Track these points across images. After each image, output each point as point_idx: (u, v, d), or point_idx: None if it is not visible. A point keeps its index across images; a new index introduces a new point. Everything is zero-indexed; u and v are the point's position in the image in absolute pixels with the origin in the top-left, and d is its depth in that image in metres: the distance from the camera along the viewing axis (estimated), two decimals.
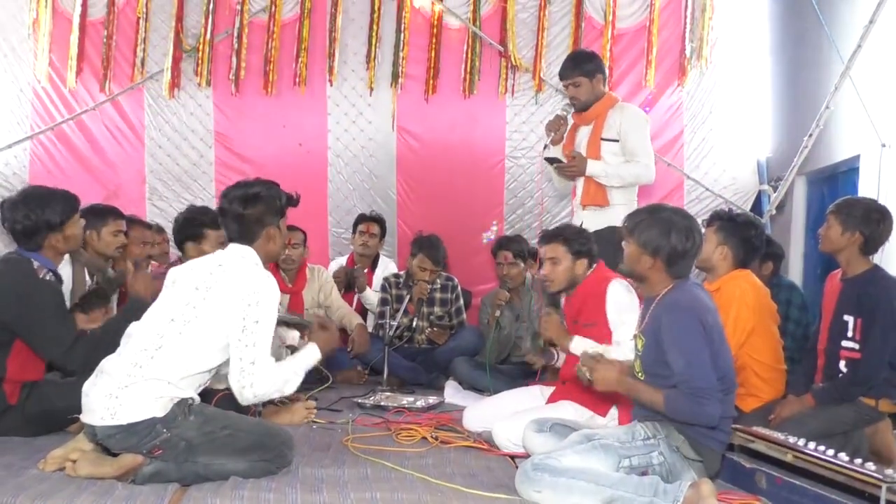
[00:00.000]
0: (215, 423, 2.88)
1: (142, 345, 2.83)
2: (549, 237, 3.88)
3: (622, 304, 3.60)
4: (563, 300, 3.98)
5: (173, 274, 3.03)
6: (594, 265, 3.83)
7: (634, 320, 3.40)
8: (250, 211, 2.98)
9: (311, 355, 3.04)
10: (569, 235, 3.82)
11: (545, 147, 4.69)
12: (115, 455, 2.83)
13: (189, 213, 4.34)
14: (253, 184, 3.05)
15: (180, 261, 4.25)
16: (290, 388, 2.93)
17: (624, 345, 3.40)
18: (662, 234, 2.89)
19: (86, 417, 2.82)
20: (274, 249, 3.06)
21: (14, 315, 3.27)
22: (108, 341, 3.16)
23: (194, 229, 4.19)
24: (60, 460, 2.83)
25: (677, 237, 2.88)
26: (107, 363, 2.87)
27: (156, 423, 2.75)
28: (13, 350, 3.32)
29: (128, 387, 2.75)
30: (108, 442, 2.81)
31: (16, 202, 3.42)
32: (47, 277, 3.37)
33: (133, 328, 2.94)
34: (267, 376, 2.83)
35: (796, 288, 5.07)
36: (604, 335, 3.59)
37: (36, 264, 3.36)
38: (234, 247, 3.01)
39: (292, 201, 3.12)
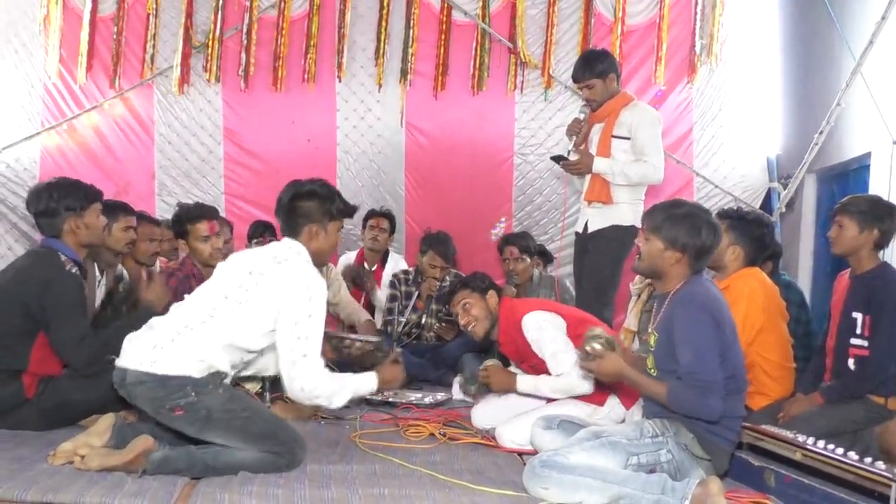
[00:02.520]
0: (239, 403, 2.96)
1: (195, 310, 2.96)
2: (451, 292, 3.97)
3: (540, 339, 3.61)
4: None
5: (229, 259, 3.17)
6: (500, 295, 3.88)
7: (561, 346, 3.52)
8: (297, 204, 3.09)
9: (367, 382, 3.12)
10: (466, 280, 3.93)
11: (569, 151, 4.66)
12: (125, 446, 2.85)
13: (176, 213, 4.39)
14: (312, 182, 3.16)
15: (189, 257, 4.28)
16: (339, 400, 3.00)
17: (568, 373, 3.43)
18: (693, 231, 2.88)
19: (121, 361, 2.91)
20: (319, 249, 3.12)
21: (36, 304, 3.31)
22: (116, 344, 3.21)
23: (180, 227, 4.24)
24: (69, 454, 2.85)
25: (706, 233, 2.88)
26: (156, 321, 3.01)
27: (188, 382, 2.83)
28: (37, 342, 3.36)
29: (174, 341, 2.87)
30: (135, 390, 2.86)
31: (42, 187, 3.53)
32: (73, 271, 3.42)
33: (187, 300, 3.06)
34: (317, 373, 2.92)
35: (794, 286, 5.05)
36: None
37: (63, 257, 3.41)
38: (287, 241, 3.11)
39: (346, 211, 3.20)
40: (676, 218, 2.92)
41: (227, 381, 3.01)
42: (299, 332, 2.89)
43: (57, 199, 3.45)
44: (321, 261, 3.19)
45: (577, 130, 4.63)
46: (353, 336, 4.42)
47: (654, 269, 3.00)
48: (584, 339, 3.00)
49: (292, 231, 3.10)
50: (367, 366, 3.48)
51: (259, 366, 3.22)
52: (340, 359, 4.06)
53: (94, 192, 3.58)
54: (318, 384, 2.92)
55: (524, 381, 3.62)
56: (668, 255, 2.92)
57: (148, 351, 2.87)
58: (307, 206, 3.09)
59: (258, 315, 2.92)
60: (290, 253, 3.05)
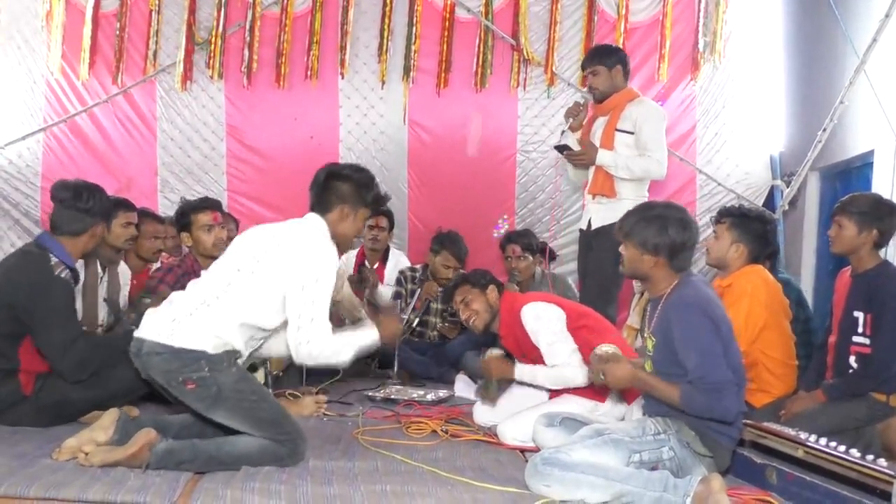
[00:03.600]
0: (249, 385, 3.00)
1: (210, 286, 3.02)
2: (453, 287, 3.99)
3: (537, 329, 3.64)
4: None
5: (244, 233, 3.21)
6: (502, 290, 3.91)
7: (559, 336, 3.54)
8: (334, 182, 3.14)
9: (369, 336, 3.14)
10: (467, 276, 3.97)
11: (563, 133, 4.70)
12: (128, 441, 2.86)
13: (180, 206, 4.40)
14: (352, 166, 3.26)
15: (191, 252, 4.28)
16: (344, 357, 3.03)
17: (563, 365, 3.49)
18: (660, 231, 2.90)
19: (140, 332, 2.97)
20: (344, 232, 3.18)
21: (24, 306, 3.27)
22: (106, 353, 3.33)
23: (183, 219, 4.24)
24: (74, 450, 2.86)
25: (675, 230, 2.90)
26: (175, 295, 3.09)
27: (202, 357, 2.88)
28: (24, 342, 3.34)
29: (192, 315, 2.94)
30: (150, 360, 2.90)
31: (83, 185, 3.51)
32: (63, 274, 3.37)
33: (204, 276, 3.14)
34: (323, 336, 2.94)
35: (792, 284, 5.03)
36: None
37: (53, 259, 3.37)
38: (310, 216, 3.15)
39: (379, 201, 3.29)
40: (644, 222, 2.95)
41: (241, 361, 3.04)
42: (306, 296, 2.92)
43: (100, 200, 3.47)
44: (343, 245, 3.25)
45: (576, 113, 4.68)
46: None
47: (637, 274, 3.04)
48: (594, 353, 3.02)
49: (323, 208, 3.14)
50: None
51: (267, 346, 3.24)
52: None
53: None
54: (324, 346, 2.95)
55: (522, 370, 3.66)
56: (645, 259, 2.95)
57: (166, 323, 2.92)
58: (343, 187, 3.14)
59: (270, 286, 2.96)
60: (304, 225, 3.10)
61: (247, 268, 2.99)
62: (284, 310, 2.98)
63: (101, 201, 3.48)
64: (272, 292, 2.96)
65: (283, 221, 3.22)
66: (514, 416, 3.54)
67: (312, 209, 3.17)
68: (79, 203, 3.43)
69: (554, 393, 3.70)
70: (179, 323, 2.92)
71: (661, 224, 2.91)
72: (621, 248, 3.04)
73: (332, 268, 3.01)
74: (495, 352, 3.89)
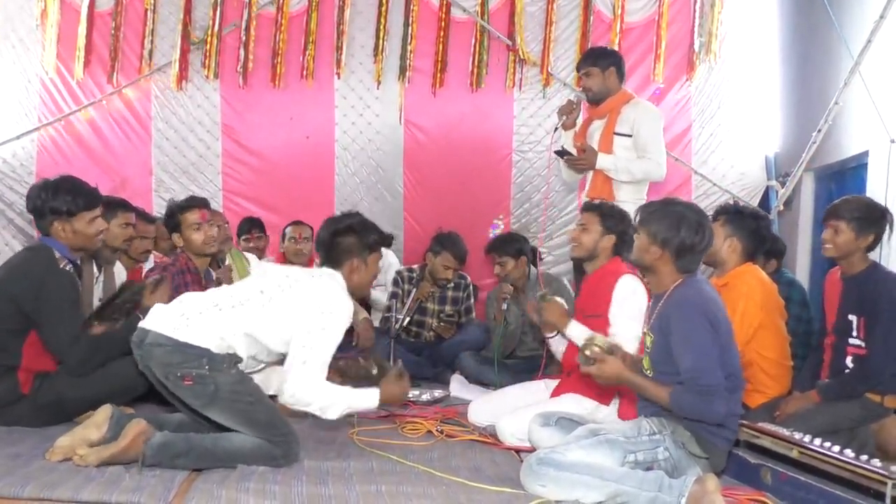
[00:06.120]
0: (246, 387, 3.02)
1: (228, 295, 3.09)
2: (588, 207, 3.92)
3: (626, 300, 3.57)
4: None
5: (265, 266, 3.30)
6: (617, 252, 3.78)
7: (635, 317, 3.43)
8: (339, 240, 3.19)
9: (367, 399, 3.12)
10: (606, 211, 3.83)
11: (555, 129, 4.70)
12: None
13: (167, 208, 4.37)
14: (348, 216, 3.29)
15: (184, 252, 4.26)
16: (333, 413, 3.02)
17: (620, 340, 3.37)
18: (672, 227, 2.90)
19: (146, 323, 3.01)
20: (359, 282, 3.22)
21: (29, 301, 3.28)
22: (111, 347, 3.34)
23: (172, 220, 4.23)
24: (67, 450, 2.85)
25: (687, 231, 2.89)
26: (187, 296, 3.17)
27: (205, 355, 2.91)
28: (29, 339, 3.34)
29: (202, 314, 2.99)
30: (152, 350, 2.93)
31: (38, 184, 3.50)
32: (67, 268, 3.39)
33: (224, 287, 3.23)
34: (310, 383, 2.96)
35: (796, 284, 5.05)
36: (605, 328, 3.55)
37: (57, 254, 3.38)
38: (327, 271, 3.20)
39: (384, 240, 3.31)
40: (660, 214, 2.95)
41: (242, 366, 3.05)
42: (307, 340, 2.96)
43: (44, 199, 3.40)
44: (362, 293, 3.33)
45: (569, 111, 4.68)
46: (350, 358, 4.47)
47: (642, 264, 3.03)
48: (584, 343, 2.99)
49: (334, 265, 3.20)
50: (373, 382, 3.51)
51: (266, 376, 3.30)
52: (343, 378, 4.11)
53: (89, 199, 3.48)
54: (310, 393, 2.96)
55: (573, 328, 3.56)
56: (652, 251, 2.95)
57: (175, 317, 2.96)
58: (347, 242, 3.19)
59: (283, 316, 3.00)
60: (325, 275, 3.16)
61: (269, 292, 3.05)
62: (288, 344, 3.03)
63: (43, 199, 3.39)
64: (283, 322, 3.01)
65: (306, 269, 3.35)
66: (514, 413, 3.52)
67: (323, 264, 3.24)
68: (28, 205, 3.48)
69: (555, 390, 3.70)
70: (188, 319, 2.96)
71: (676, 221, 2.91)
72: (634, 236, 3.04)
73: (343, 324, 3.05)
74: (558, 299, 3.76)
